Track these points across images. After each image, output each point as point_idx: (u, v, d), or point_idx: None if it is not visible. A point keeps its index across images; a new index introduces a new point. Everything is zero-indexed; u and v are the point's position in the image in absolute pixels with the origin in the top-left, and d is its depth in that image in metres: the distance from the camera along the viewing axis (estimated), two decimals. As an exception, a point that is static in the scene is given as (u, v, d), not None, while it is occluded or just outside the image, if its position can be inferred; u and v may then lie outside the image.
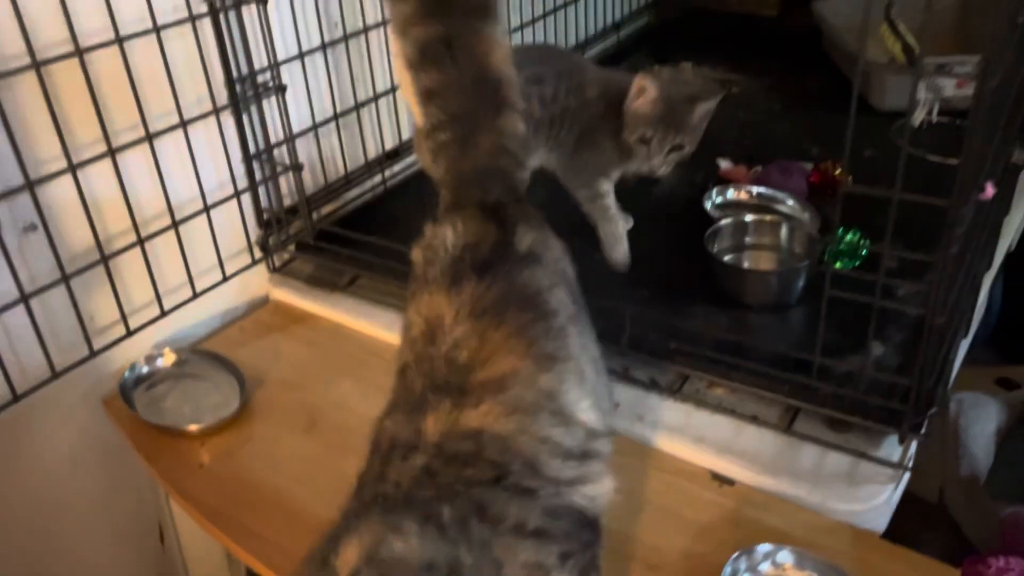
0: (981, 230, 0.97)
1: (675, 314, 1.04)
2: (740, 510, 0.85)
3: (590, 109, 1.10)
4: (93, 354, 1.02)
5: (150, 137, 1.03)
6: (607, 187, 1.12)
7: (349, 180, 1.34)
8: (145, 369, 1.07)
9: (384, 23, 1.31)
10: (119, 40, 0.96)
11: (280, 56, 1.14)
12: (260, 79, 1.13)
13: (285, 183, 1.23)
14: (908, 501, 1.05)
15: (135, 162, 1.03)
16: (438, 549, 0.54)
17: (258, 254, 1.22)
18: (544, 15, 1.65)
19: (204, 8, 1.05)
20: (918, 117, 1.32)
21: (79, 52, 0.92)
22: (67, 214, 0.97)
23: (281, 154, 1.19)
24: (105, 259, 1.01)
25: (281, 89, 1.14)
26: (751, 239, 1.15)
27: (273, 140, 1.18)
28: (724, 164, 1.39)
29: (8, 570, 1.02)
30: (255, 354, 1.12)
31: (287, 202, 1.23)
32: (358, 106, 1.32)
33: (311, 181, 1.28)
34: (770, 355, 0.95)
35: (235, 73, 1.11)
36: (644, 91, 1.03)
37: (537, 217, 0.74)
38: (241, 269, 1.20)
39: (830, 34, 1.66)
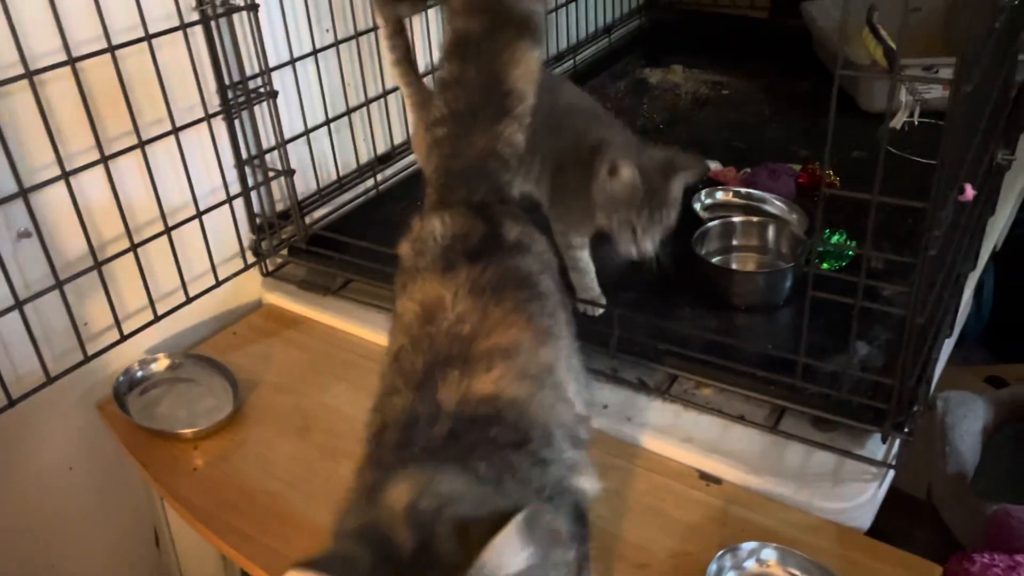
0: (963, 231, 0.98)
1: (663, 315, 1.05)
2: (727, 509, 0.86)
3: (563, 158, 1.03)
4: (87, 359, 1.03)
5: (142, 144, 1.03)
6: (579, 241, 1.05)
7: (341, 184, 1.35)
8: (139, 373, 1.08)
9: (375, 28, 1.32)
10: (111, 49, 0.97)
11: (272, 62, 1.15)
12: (252, 85, 1.14)
13: (277, 188, 1.24)
14: (898, 498, 1.06)
15: (128, 169, 1.04)
16: (482, 493, 0.55)
17: (251, 259, 1.23)
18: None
19: (195, 16, 1.06)
20: (899, 120, 1.33)
21: (71, 61, 0.93)
22: (61, 221, 0.98)
23: (273, 159, 1.20)
24: (98, 265, 1.02)
25: (272, 95, 1.15)
26: (738, 240, 1.16)
27: (265, 145, 1.19)
28: (714, 166, 1.40)
29: (4, 574, 1.02)
30: (248, 358, 1.13)
31: (279, 207, 1.24)
32: (349, 111, 1.33)
33: (303, 186, 1.29)
34: (757, 356, 0.96)
35: (227, 80, 1.12)
36: (618, 172, 0.94)
37: (522, 216, 0.75)
38: (234, 274, 1.21)
39: (820, 36, 1.67)
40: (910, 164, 1.28)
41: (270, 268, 1.26)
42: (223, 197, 1.17)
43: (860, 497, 0.84)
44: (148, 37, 1.01)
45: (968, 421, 1.15)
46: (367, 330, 1.14)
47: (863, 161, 1.36)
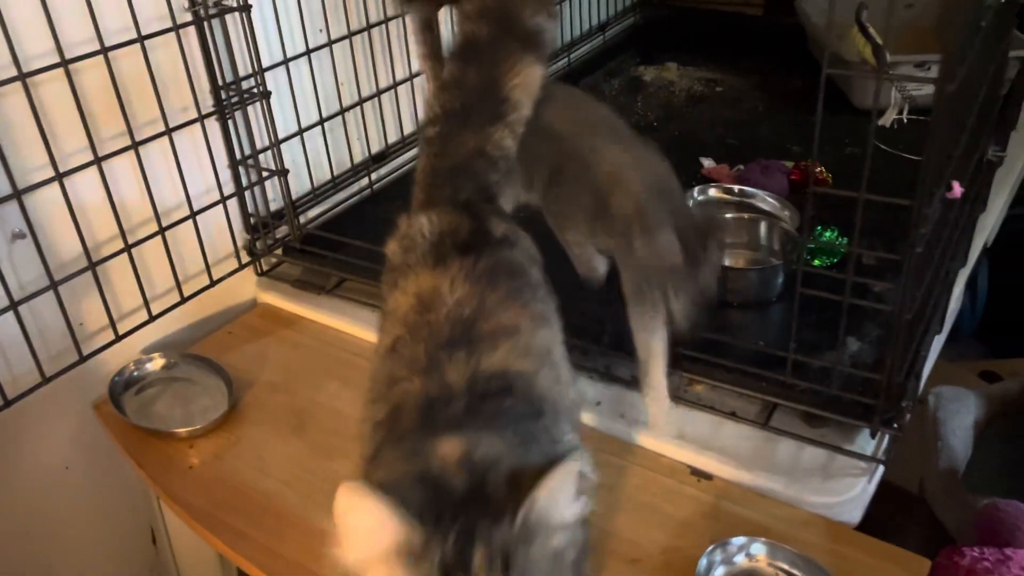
0: (953, 228, 0.99)
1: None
2: (718, 504, 0.87)
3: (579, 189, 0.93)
4: (82, 359, 1.04)
5: (136, 145, 1.04)
6: (574, 238, 0.98)
7: (336, 184, 1.35)
8: (134, 373, 1.09)
9: (368, 28, 1.32)
10: (104, 50, 0.98)
11: (265, 62, 1.16)
12: (245, 85, 1.15)
13: (271, 188, 1.24)
14: (891, 493, 1.06)
15: (122, 169, 1.05)
16: (520, 453, 0.56)
17: (245, 258, 1.24)
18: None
19: (188, 17, 1.07)
20: (889, 118, 1.33)
21: (64, 63, 0.94)
22: (55, 222, 0.99)
23: (267, 159, 1.21)
24: (93, 266, 1.02)
25: (266, 95, 1.16)
26: (731, 237, 1.16)
27: (259, 145, 1.19)
28: (707, 163, 1.40)
29: (1, 573, 1.03)
30: (243, 357, 1.13)
31: (274, 206, 1.25)
32: (343, 110, 1.33)
33: (298, 185, 1.29)
34: (749, 352, 0.96)
35: (220, 80, 1.12)
36: (654, 240, 0.84)
37: (507, 215, 0.76)
38: (228, 273, 1.21)
39: (814, 33, 1.67)
40: (903, 161, 1.28)
41: (265, 268, 1.27)
42: (217, 197, 1.17)
43: (850, 492, 0.85)
44: (141, 38, 1.01)
45: (960, 416, 1.16)
46: (362, 329, 1.14)
47: (856, 158, 1.36)
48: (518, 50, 0.74)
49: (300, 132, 1.27)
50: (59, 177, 0.96)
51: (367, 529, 0.50)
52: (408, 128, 1.46)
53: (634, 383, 1.00)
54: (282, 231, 1.25)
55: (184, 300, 1.15)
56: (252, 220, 1.23)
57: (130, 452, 1.01)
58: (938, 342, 1.03)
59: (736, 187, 1.29)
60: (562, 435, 0.63)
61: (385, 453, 0.60)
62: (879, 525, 0.86)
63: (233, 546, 0.88)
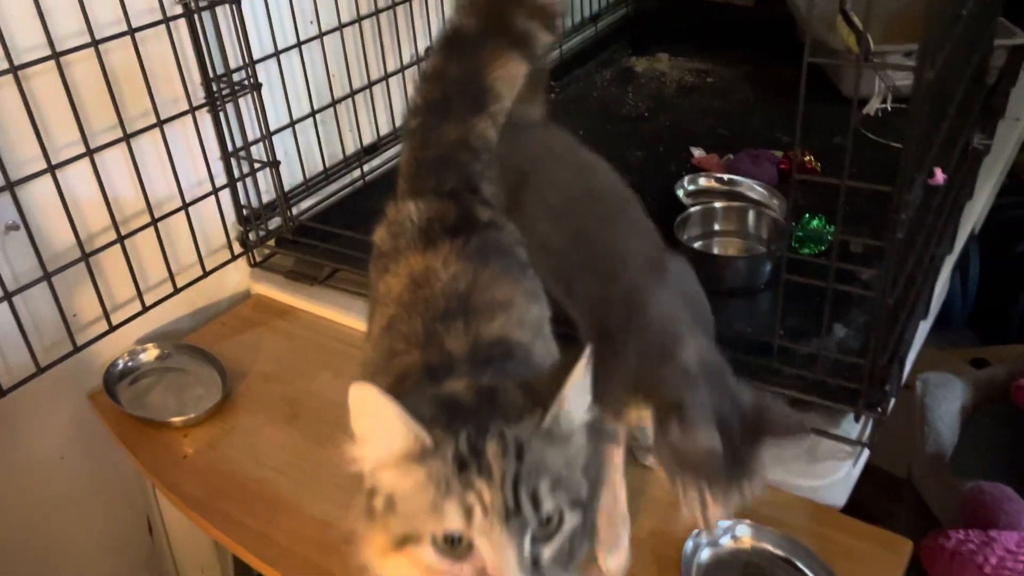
0: (937, 214, 1.00)
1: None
2: (705, 489, 0.88)
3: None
4: (77, 349, 1.04)
5: (128, 137, 1.05)
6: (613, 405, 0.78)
7: (328, 175, 1.36)
8: (129, 363, 1.10)
9: (359, 19, 1.33)
10: (95, 43, 0.98)
11: (256, 55, 1.16)
12: (236, 77, 1.15)
13: (264, 179, 1.25)
14: (879, 477, 1.08)
15: (114, 161, 1.05)
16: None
17: (238, 249, 1.25)
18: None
19: (179, 9, 1.07)
20: (873, 106, 1.34)
21: (56, 55, 0.94)
22: (48, 213, 0.99)
23: (259, 151, 1.21)
24: (86, 256, 1.03)
25: (257, 87, 1.16)
26: (720, 226, 1.18)
27: (251, 137, 1.20)
28: (697, 152, 1.41)
29: (-2, 562, 1.04)
30: (236, 347, 1.14)
31: (266, 198, 1.25)
32: (335, 102, 1.34)
33: (290, 177, 1.30)
34: (736, 338, 0.97)
35: (211, 72, 1.13)
36: (692, 435, 0.68)
37: (492, 204, 0.77)
38: (221, 264, 1.22)
39: (804, 24, 1.67)
40: (889, 150, 1.29)
41: (257, 259, 1.27)
42: (209, 189, 1.18)
43: (835, 475, 0.86)
44: (132, 31, 1.01)
45: (947, 402, 1.17)
46: (354, 319, 1.15)
47: (844, 146, 1.36)
48: (506, 47, 0.75)
49: (292, 124, 1.27)
50: (51, 169, 0.97)
51: (380, 432, 0.51)
52: (400, 120, 1.47)
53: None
54: (275, 222, 1.26)
55: (177, 291, 1.16)
56: (244, 211, 1.23)
57: (125, 442, 1.02)
58: (924, 328, 1.04)
59: (726, 176, 1.30)
60: None
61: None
62: (867, 509, 0.88)
63: (228, 533, 0.89)
